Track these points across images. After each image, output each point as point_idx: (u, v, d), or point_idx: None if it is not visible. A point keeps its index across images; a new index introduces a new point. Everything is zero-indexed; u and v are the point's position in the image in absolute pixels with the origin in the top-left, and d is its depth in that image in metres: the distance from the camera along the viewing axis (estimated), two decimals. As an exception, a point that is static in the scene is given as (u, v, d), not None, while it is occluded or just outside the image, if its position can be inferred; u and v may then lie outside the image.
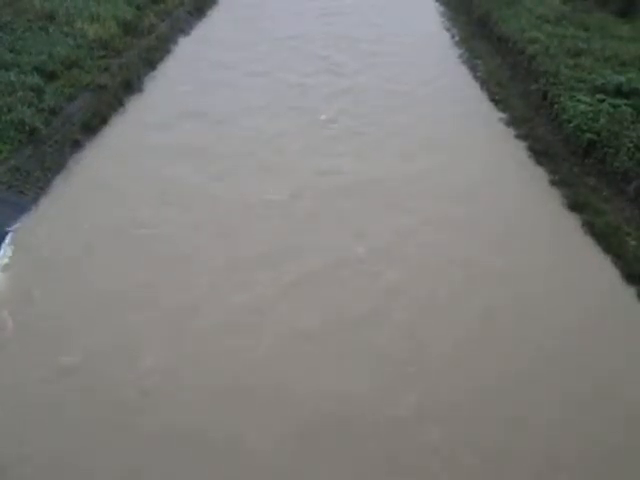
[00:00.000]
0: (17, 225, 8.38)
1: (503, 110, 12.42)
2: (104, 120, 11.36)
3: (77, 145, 10.46)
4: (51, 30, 13.20)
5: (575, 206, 9.19)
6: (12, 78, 10.92)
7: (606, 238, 8.41)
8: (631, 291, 7.54)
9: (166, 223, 8.59)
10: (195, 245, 8.16)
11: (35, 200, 8.98)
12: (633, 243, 8.21)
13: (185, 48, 15.59)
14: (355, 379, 6.23)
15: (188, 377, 6.20)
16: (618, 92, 10.80)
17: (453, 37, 16.95)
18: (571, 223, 8.92)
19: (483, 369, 6.41)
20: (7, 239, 8.07)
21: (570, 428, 5.85)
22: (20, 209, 8.71)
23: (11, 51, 12.05)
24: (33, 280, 7.43)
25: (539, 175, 10.12)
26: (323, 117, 11.87)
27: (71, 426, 5.67)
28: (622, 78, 11.00)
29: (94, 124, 11.08)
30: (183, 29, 16.72)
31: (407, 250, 8.19)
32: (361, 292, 7.41)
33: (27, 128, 9.81)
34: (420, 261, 8.01)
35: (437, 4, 20.11)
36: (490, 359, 6.55)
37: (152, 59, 14.27)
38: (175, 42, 15.81)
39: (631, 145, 9.35)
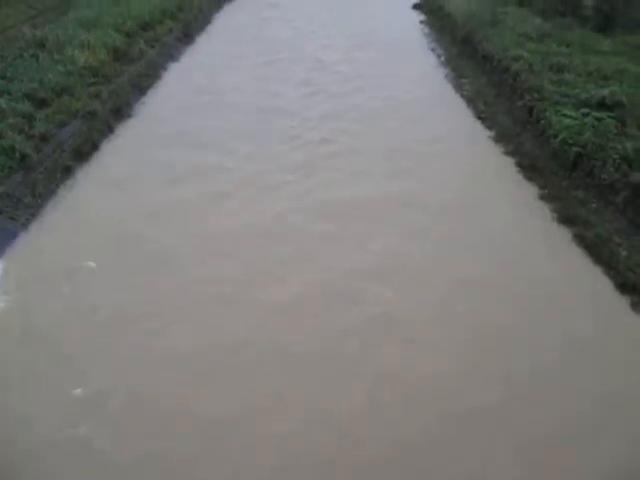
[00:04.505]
0: (6, 251, 8.35)
1: (490, 127, 12.56)
2: (95, 146, 11.40)
3: (68, 171, 10.46)
4: (42, 57, 13.26)
5: (565, 219, 9.27)
6: (3, 105, 10.95)
7: (597, 249, 8.46)
8: (625, 301, 7.58)
9: (159, 239, 8.61)
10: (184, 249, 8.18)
11: (25, 226, 8.95)
12: (624, 253, 8.26)
13: (174, 74, 15.75)
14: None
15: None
16: (602, 105, 10.94)
17: (439, 57, 17.24)
18: (562, 236, 8.97)
19: (478, 386, 6.37)
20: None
21: (567, 441, 5.81)
22: (10, 235, 8.68)
23: (2, 78, 12.10)
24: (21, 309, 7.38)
25: (529, 190, 10.18)
26: (317, 138, 11.96)
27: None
28: (605, 91, 11.16)
29: (85, 150, 11.11)
30: (172, 55, 16.93)
31: (402, 267, 8.18)
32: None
33: (17, 154, 9.80)
34: (415, 279, 7.99)
35: (422, 26, 20.50)
36: (485, 375, 6.52)
37: (142, 85, 14.40)
38: (165, 68, 15.99)
39: (617, 157, 9.44)
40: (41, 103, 11.58)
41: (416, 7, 22.80)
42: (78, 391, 6.15)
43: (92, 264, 8.10)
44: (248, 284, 7.79)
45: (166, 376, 6.41)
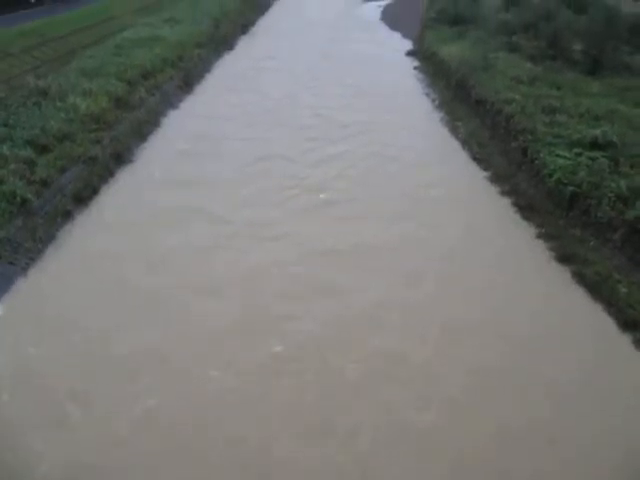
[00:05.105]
0: (3, 298, 8.31)
1: (486, 168, 12.72)
2: (95, 190, 11.51)
3: (68, 216, 10.54)
4: (44, 105, 13.53)
5: (563, 258, 9.30)
6: (5, 151, 11.10)
7: (598, 287, 8.46)
8: (627, 338, 7.53)
9: (156, 288, 8.58)
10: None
11: (25, 270, 8.94)
12: (624, 290, 8.25)
13: (174, 121, 16.01)
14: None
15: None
16: (594, 145, 11.13)
17: (433, 101, 17.64)
18: (561, 274, 8.98)
19: (480, 430, 6.29)
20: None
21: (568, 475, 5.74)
22: (8, 281, 8.65)
23: (5, 125, 12.31)
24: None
25: (526, 229, 10.26)
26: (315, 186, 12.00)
27: None
28: (597, 131, 11.37)
29: (85, 195, 11.22)
30: (172, 103, 17.28)
31: (404, 314, 8.13)
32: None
33: (18, 199, 9.88)
34: (417, 325, 7.95)
35: (416, 71, 21.05)
36: (489, 416, 6.45)
37: (142, 131, 14.65)
38: (165, 115, 16.29)
39: (612, 195, 9.55)
40: (43, 149, 11.76)
41: (410, 54, 23.50)
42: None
43: (89, 313, 8.03)
44: (249, 335, 7.70)
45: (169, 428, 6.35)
